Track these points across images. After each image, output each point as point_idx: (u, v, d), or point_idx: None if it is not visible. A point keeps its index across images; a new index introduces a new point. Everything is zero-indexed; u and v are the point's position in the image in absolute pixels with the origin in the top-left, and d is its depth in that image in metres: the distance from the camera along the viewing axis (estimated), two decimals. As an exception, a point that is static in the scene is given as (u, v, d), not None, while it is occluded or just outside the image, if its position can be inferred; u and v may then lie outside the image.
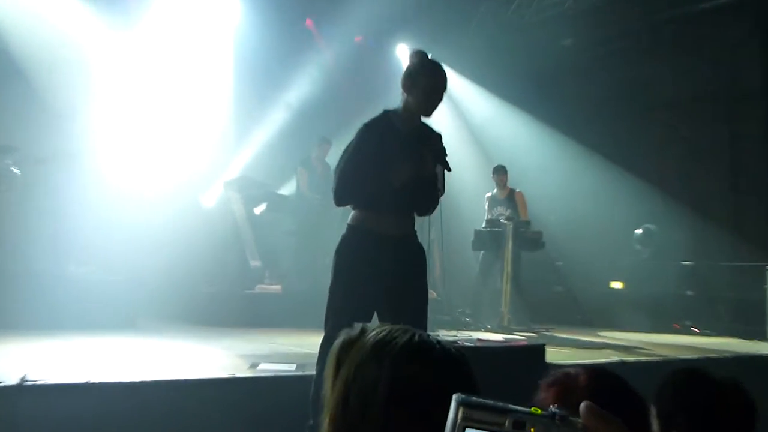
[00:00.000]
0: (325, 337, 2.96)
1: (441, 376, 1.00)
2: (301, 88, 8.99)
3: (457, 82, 10.19)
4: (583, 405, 0.70)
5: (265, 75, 8.92)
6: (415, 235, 3.17)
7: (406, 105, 3.07)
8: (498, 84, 9.86)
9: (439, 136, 3.19)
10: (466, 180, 9.35)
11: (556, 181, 9.58)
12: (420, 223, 6.96)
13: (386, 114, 3.11)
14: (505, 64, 9.70)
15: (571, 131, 9.44)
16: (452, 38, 9.56)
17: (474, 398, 0.68)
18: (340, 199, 3.05)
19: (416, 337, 1.04)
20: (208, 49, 8.57)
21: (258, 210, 8.08)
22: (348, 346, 1.07)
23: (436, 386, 0.98)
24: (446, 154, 3.11)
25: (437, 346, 1.05)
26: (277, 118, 8.92)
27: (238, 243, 7.84)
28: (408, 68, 3.07)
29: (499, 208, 7.85)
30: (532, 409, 0.68)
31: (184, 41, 8.26)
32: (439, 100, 3.07)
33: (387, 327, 1.07)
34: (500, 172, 7.89)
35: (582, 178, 9.49)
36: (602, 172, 9.23)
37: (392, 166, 2.97)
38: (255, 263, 7.93)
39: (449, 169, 3.04)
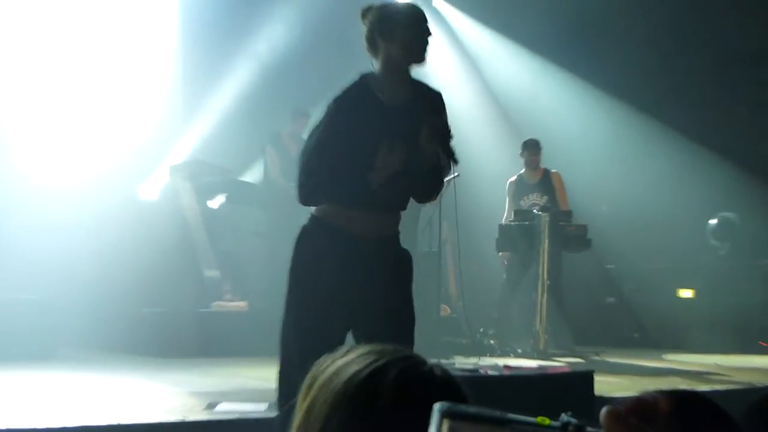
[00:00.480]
0: (280, 364, 2.97)
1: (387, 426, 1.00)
2: (269, 42, 8.94)
3: (471, 30, 10.14)
4: (603, 410, 0.75)
5: (222, 26, 8.87)
6: (398, 237, 3.17)
7: (387, 60, 3.06)
8: (527, 32, 9.80)
9: (438, 97, 3.18)
10: (488, 159, 9.31)
11: (604, 158, 9.53)
12: (429, 214, 7.01)
13: (364, 80, 3.10)
14: (536, 4, 9.65)
15: (624, 93, 9.39)
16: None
17: (462, 407, 0.70)
18: (307, 198, 3.06)
19: (368, 369, 1.03)
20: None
21: (215, 203, 8.08)
22: (312, 379, 1.08)
23: None
24: (449, 127, 3.09)
25: (394, 379, 1.02)
26: (237, 82, 8.88)
27: (189, 247, 7.84)
28: (373, 19, 3.09)
29: (532, 195, 7.83)
30: (539, 418, 0.71)
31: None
32: (429, 36, 3.09)
33: (355, 351, 1.08)
34: (533, 148, 7.87)
35: (638, 153, 9.45)
36: (665, 145, 9.18)
37: (373, 154, 2.97)
38: (212, 273, 7.94)
39: (453, 156, 3.00)
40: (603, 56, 9.56)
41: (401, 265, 3.14)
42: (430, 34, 3.08)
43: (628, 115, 9.43)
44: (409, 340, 3.03)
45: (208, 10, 8.77)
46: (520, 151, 7.93)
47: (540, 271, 7.29)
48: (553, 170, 7.94)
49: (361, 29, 3.12)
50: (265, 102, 8.75)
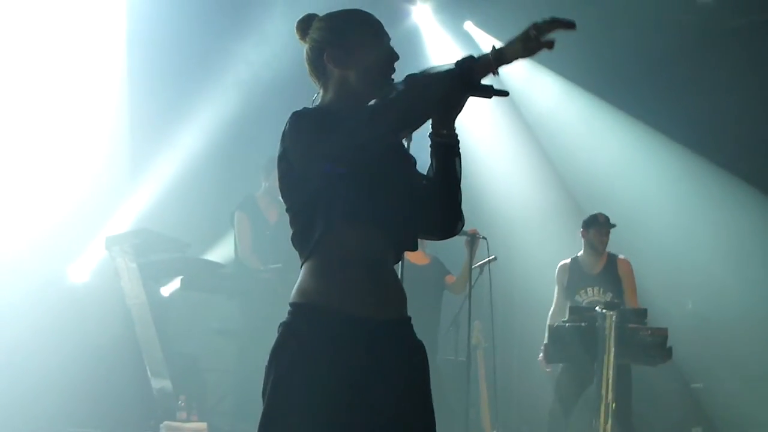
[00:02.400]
0: None
1: None
2: (240, 81, 9.09)
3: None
4: None
5: (179, 59, 9.08)
6: (410, 322, 3.13)
7: (341, 89, 3.12)
8: (581, 69, 9.92)
9: None
10: (535, 236, 9.27)
11: (690, 233, 9.52)
12: (455, 312, 6.88)
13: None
14: (595, 34, 9.70)
15: (709, 150, 9.46)
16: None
17: None
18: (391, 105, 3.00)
19: None
20: (81, 24, 8.67)
21: (167, 289, 8.10)
22: None
23: None
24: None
25: None
26: (199, 129, 9.01)
27: (131, 348, 7.79)
28: (319, 35, 3.15)
29: (591, 290, 7.82)
30: None
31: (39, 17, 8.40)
32: (395, 59, 3.12)
33: None
34: (601, 226, 7.87)
35: (741, 227, 9.40)
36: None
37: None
38: (161, 384, 7.85)
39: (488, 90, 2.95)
40: (679, 104, 9.72)
41: (417, 359, 3.11)
42: (396, 56, 3.13)
43: (720, 178, 9.49)
44: None
45: (165, 55, 9.02)
46: (581, 230, 7.94)
47: (603, 390, 7.16)
48: (620, 256, 7.94)
49: (303, 48, 3.19)
50: (237, 154, 8.81)
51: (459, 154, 3.10)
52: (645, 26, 9.61)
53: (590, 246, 7.90)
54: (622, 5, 9.40)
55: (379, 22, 3.18)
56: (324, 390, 2.91)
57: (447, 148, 3.08)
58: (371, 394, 2.97)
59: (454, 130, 3.07)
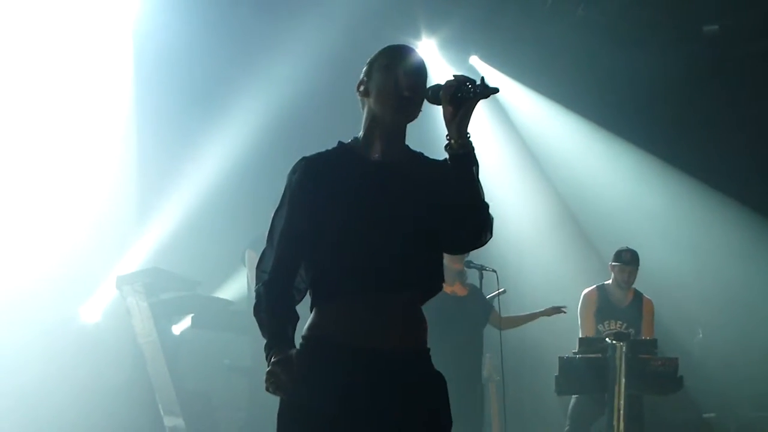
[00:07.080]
0: None
1: None
2: (251, 117, 9.07)
3: (522, 97, 10.26)
4: None
5: (188, 97, 9.08)
6: (428, 354, 3.12)
7: (367, 116, 3.17)
8: (591, 101, 9.94)
9: (441, 166, 3.17)
10: (544, 266, 9.25)
11: (701, 264, 9.49)
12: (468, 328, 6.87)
13: (343, 145, 3.18)
14: (604, 68, 9.74)
15: (718, 179, 9.45)
16: (516, 24, 9.65)
17: None
18: (257, 306, 3.16)
19: None
20: (89, 63, 8.71)
21: (179, 327, 8.08)
22: None
23: None
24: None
25: None
26: (209, 169, 9.01)
27: (144, 386, 7.80)
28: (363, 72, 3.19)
29: (616, 323, 7.74)
30: None
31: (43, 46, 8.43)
32: (417, 85, 3.10)
33: None
34: (632, 262, 7.79)
35: (753, 255, 9.39)
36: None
37: (359, 222, 2.99)
38: (174, 422, 7.86)
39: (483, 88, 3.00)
40: (691, 133, 9.72)
41: (432, 394, 3.08)
42: (422, 85, 3.11)
43: (726, 204, 9.51)
44: None
45: (171, 74, 9.01)
46: (611, 262, 7.86)
47: (615, 421, 7.11)
48: (646, 296, 7.87)
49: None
50: (246, 192, 8.87)
51: (477, 162, 3.06)
52: (653, 57, 9.64)
53: (618, 279, 7.80)
54: (630, 38, 9.44)
55: (403, 52, 3.16)
56: (327, 418, 2.94)
57: (463, 157, 3.04)
58: (375, 421, 2.97)
59: (468, 138, 3.02)
